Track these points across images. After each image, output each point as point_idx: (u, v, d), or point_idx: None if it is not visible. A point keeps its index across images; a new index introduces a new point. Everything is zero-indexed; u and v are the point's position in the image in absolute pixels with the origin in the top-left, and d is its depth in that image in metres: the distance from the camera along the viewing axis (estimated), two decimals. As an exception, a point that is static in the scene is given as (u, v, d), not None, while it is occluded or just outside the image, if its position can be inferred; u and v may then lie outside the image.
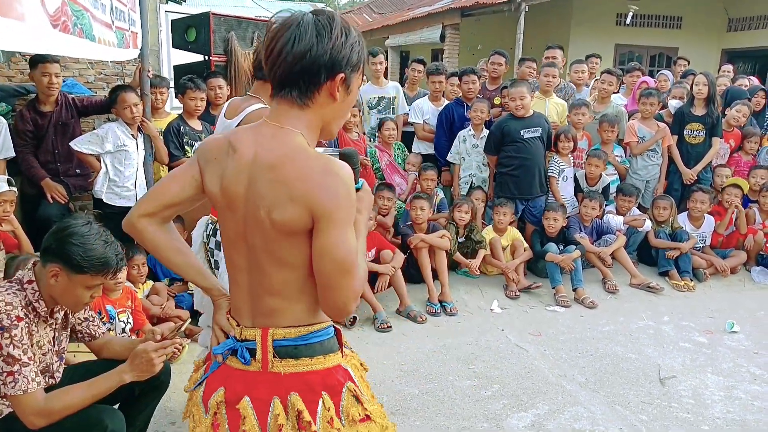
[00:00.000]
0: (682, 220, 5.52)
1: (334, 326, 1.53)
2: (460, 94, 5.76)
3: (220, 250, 2.69)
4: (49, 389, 2.04)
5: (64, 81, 4.54)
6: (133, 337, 3.49)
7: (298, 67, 1.31)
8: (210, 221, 2.79)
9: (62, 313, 2.19)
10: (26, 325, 1.96)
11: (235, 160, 1.39)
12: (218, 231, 2.68)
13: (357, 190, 1.42)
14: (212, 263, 2.75)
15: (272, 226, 1.35)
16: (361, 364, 1.66)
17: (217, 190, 1.42)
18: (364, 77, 1.74)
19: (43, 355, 2.09)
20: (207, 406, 1.51)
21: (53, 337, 2.15)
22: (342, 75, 1.34)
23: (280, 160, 1.34)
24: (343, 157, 1.44)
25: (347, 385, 1.49)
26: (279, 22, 1.34)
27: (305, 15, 1.33)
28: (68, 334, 2.27)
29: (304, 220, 1.32)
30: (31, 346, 1.98)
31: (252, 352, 1.46)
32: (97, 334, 2.36)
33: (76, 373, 2.25)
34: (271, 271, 1.40)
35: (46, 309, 2.06)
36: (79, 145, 4.12)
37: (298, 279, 1.40)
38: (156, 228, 1.53)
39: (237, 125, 2.58)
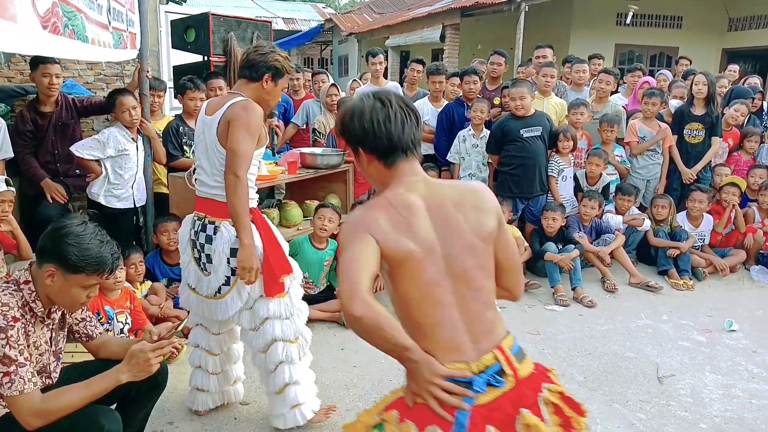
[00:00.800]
0: (681, 219, 5.52)
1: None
2: (461, 94, 5.77)
3: (211, 244, 2.69)
4: (46, 389, 2.05)
5: (63, 82, 4.56)
6: (131, 337, 3.50)
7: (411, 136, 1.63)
8: (196, 218, 2.78)
9: (59, 313, 2.19)
10: (23, 325, 1.96)
11: (417, 214, 1.55)
12: (207, 227, 2.71)
13: None
14: (201, 258, 2.75)
15: (482, 241, 1.58)
16: None
17: (413, 246, 1.51)
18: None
19: (40, 355, 2.09)
20: None
21: (50, 338, 2.15)
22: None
23: (457, 192, 1.63)
24: None
25: (552, 374, 1.72)
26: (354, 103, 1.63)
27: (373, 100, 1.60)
28: (65, 334, 2.28)
29: (495, 226, 1.62)
30: (28, 346, 1.99)
31: (501, 373, 1.53)
32: (95, 335, 2.37)
33: (73, 374, 2.25)
34: (485, 284, 1.60)
35: (43, 309, 2.06)
36: (80, 150, 4.13)
37: (491, 286, 1.64)
38: (375, 301, 1.43)
39: (219, 119, 2.59)
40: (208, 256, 2.71)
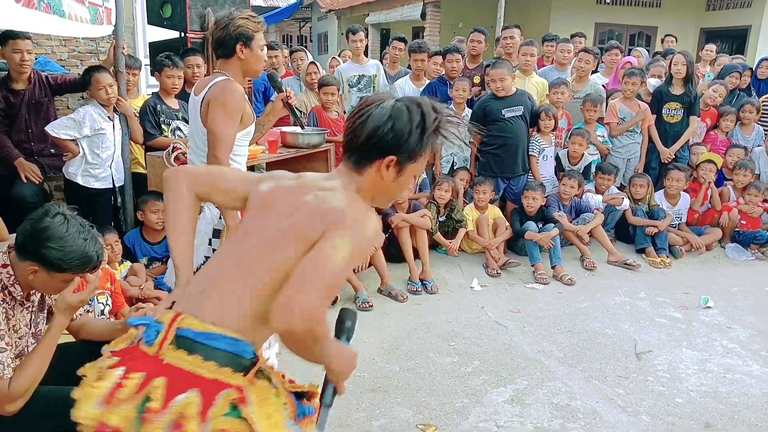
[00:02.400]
0: (659, 197, 5.60)
1: (254, 352, 1.44)
2: (443, 73, 5.73)
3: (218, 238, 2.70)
4: None
5: (36, 58, 4.43)
6: (112, 319, 3.46)
7: (361, 140, 1.51)
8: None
9: (38, 295, 2.16)
10: (3, 310, 1.93)
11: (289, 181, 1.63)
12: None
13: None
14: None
15: (279, 230, 1.48)
16: (298, 393, 1.61)
17: (255, 198, 1.62)
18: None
19: (19, 338, 2.06)
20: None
21: (30, 320, 2.12)
22: (392, 158, 1.50)
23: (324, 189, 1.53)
24: (340, 317, 1.70)
25: (228, 391, 1.34)
26: (368, 99, 1.56)
27: (389, 100, 1.52)
28: (45, 316, 2.24)
29: (317, 233, 1.43)
30: (8, 331, 1.95)
31: (157, 334, 1.42)
32: (75, 316, 2.33)
33: (53, 356, 2.22)
34: (245, 266, 1.47)
35: (21, 293, 2.03)
36: (56, 130, 4.04)
37: (267, 283, 1.42)
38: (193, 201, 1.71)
39: (202, 99, 2.57)
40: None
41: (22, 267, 1.97)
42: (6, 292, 1.98)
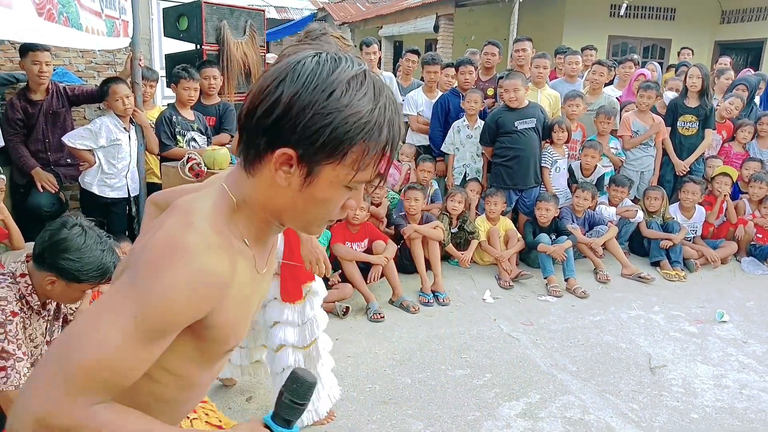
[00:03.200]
0: (674, 210, 5.56)
1: None
2: (455, 85, 5.75)
3: None
4: None
5: (54, 70, 4.51)
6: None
7: (243, 116, 0.94)
8: None
9: (54, 304, 2.18)
10: (21, 320, 1.95)
11: None
12: None
13: (269, 429, 1.04)
14: None
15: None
16: None
17: None
18: None
19: (35, 347, 2.08)
20: None
21: (46, 329, 2.14)
22: (286, 152, 0.90)
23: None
24: (293, 379, 1.05)
25: None
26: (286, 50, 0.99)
27: (303, 52, 0.92)
28: (60, 324, 2.26)
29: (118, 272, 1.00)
30: (24, 340, 1.98)
31: None
32: None
33: None
34: None
35: (38, 302, 2.05)
36: (72, 140, 4.10)
37: None
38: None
39: None
40: None
41: (39, 277, 1.99)
42: (24, 301, 2.00)
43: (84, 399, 0.86)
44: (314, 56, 0.89)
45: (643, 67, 7.59)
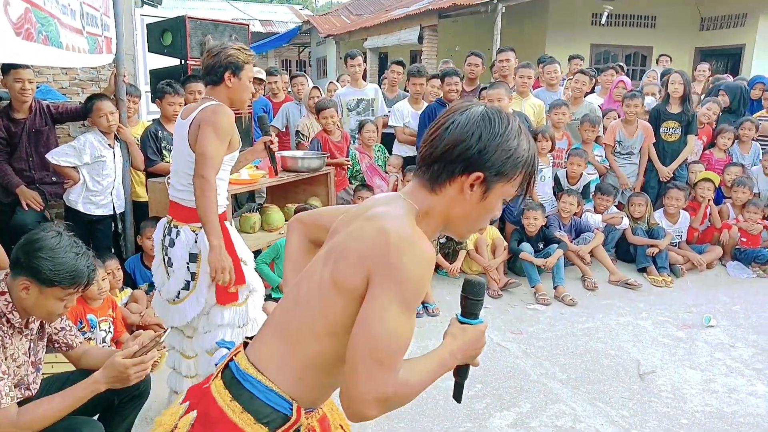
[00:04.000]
0: (658, 216, 5.61)
1: (293, 410, 1.31)
2: (441, 95, 5.78)
3: (173, 247, 2.72)
4: (25, 401, 2.01)
5: (37, 87, 4.48)
6: (113, 347, 3.45)
7: (440, 151, 1.28)
8: (166, 221, 2.81)
9: (37, 323, 2.15)
10: None
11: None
12: (172, 230, 2.74)
13: (467, 323, 1.39)
14: (166, 261, 2.79)
15: (330, 276, 1.28)
16: None
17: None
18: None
19: (18, 367, 2.05)
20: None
21: (29, 348, 2.11)
22: (479, 175, 1.26)
23: (374, 214, 1.28)
24: (467, 284, 1.40)
25: None
26: (453, 106, 1.34)
27: (477, 106, 1.31)
28: (45, 344, 2.23)
29: (357, 282, 1.22)
30: (5, 359, 1.95)
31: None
32: (75, 344, 2.33)
33: (54, 385, 2.21)
34: (298, 308, 1.33)
35: (20, 320, 2.02)
36: (56, 157, 4.07)
37: (313, 331, 1.29)
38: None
39: (191, 122, 2.59)
40: (169, 259, 2.75)
41: (16, 286, 1.96)
42: (4, 319, 1.98)
43: (394, 371, 1.19)
44: (491, 111, 1.30)
45: (628, 75, 7.70)
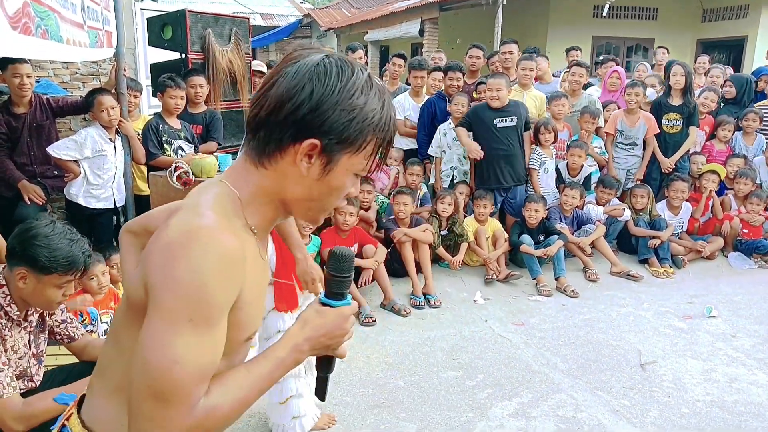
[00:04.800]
0: (661, 208, 5.61)
1: None
2: (442, 88, 5.77)
3: None
4: (29, 393, 2.02)
5: (38, 81, 4.48)
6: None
7: (265, 112, 1.01)
8: None
9: (37, 315, 2.16)
10: None
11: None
12: None
13: (328, 305, 1.11)
14: None
15: (125, 291, 1.12)
16: None
17: None
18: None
19: (19, 359, 2.06)
20: None
21: (29, 340, 2.12)
22: (313, 142, 0.99)
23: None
24: (332, 257, 1.13)
25: None
26: (288, 55, 1.05)
27: (313, 55, 1.02)
28: (46, 336, 2.25)
29: (141, 294, 0.97)
30: (6, 351, 1.96)
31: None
32: (76, 336, 2.34)
33: (57, 376, 2.23)
34: (107, 342, 1.16)
35: (18, 312, 2.03)
36: (57, 151, 4.08)
37: (120, 370, 1.07)
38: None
39: None
40: None
41: (13, 277, 1.97)
42: (2, 312, 1.99)
43: (186, 405, 0.91)
44: (330, 59, 1.01)
45: (628, 67, 7.68)
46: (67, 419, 1.17)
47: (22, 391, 1.99)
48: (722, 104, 6.50)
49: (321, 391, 1.20)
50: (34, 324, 2.15)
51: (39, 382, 2.17)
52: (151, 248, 0.96)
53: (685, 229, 5.67)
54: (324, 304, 1.10)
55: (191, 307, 0.90)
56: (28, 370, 2.12)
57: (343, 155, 1.02)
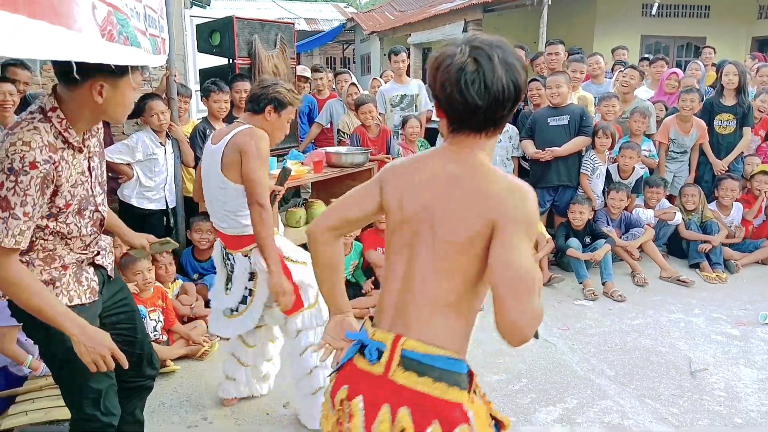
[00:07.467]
0: (713, 208, 5.45)
1: (468, 366, 1.45)
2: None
3: (234, 272, 2.82)
4: (99, 223, 1.98)
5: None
6: (165, 336, 3.58)
7: (488, 102, 1.34)
8: (221, 246, 2.89)
9: (93, 140, 1.99)
10: (41, 174, 1.70)
11: (418, 177, 1.45)
12: (228, 256, 2.82)
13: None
14: (230, 278, 2.88)
15: (444, 237, 1.38)
16: (495, 419, 1.48)
17: (395, 207, 1.47)
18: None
19: (72, 187, 1.85)
20: (334, 402, 1.51)
21: (88, 167, 1.93)
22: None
23: (465, 174, 1.38)
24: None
25: (462, 426, 1.36)
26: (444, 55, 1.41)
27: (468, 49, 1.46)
28: (103, 158, 2.09)
29: (484, 233, 1.34)
30: (42, 195, 1.73)
31: (380, 354, 1.43)
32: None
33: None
34: (429, 281, 1.41)
35: (78, 137, 1.85)
36: (110, 154, 4.22)
37: (454, 291, 1.40)
38: (332, 241, 1.60)
39: (224, 148, 2.62)
40: (229, 278, 2.86)
41: (76, 96, 1.79)
42: (60, 139, 1.78)
43: (539, 298, 1.37)
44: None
45: (679, 66, 7.47)
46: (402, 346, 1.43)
47: (92, 222, 1.93)
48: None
49: None
50: (91, 149, 1.96)
51: (105, 212, 2.03)
52: (506, 203, 1.32)
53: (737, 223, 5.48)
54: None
55: (531, 231, 1.35)
56: (89, 199, 1.94)
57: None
